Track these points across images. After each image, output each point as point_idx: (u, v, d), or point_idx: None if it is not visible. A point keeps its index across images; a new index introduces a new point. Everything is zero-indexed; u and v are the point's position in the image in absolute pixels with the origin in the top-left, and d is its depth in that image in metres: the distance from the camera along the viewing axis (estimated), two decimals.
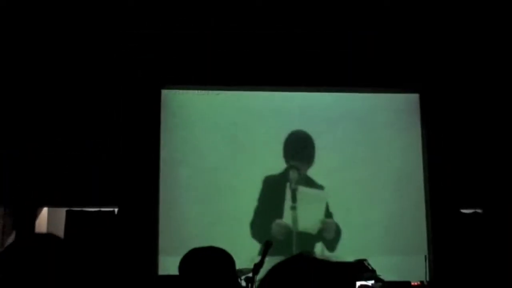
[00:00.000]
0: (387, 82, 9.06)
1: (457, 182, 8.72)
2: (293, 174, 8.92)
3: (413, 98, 9.28)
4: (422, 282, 7.29)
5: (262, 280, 1.64)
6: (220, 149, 8.85)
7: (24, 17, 8.24)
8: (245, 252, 7.00)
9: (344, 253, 8.48)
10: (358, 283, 5.80)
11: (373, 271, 6.75)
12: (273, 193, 8.85)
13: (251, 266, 5.22)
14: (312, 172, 8.94)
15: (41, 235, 2.55)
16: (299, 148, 8.97)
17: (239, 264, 3.14)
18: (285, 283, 1.62)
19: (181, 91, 8.99)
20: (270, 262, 4.69)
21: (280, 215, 8.77)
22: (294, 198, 8.87)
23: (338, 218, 8.81)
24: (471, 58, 8.93)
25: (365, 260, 7.03)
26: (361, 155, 8.99)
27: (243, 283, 5.90)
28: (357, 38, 8.83)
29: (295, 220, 8.77)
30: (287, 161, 8.92)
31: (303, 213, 8.83)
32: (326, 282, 1.61)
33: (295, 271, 1.64)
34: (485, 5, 8.35)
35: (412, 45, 8.96)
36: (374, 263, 7.31)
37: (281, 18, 8.61)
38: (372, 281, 6.33)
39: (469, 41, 8.85)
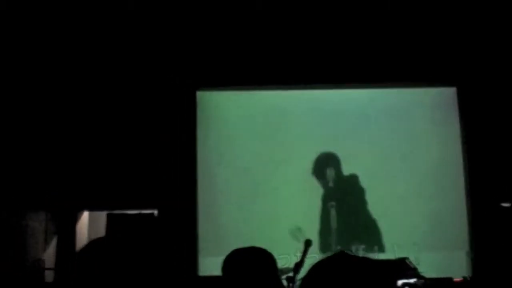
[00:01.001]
0: (424, 76, 8.97)
1: (497, 175, 8.60)
2: (330, 172, 8.90)
3: (450, 92, 9.18)
4: (464, 278, 7.20)
5: (304, 279, 1.65)
6: (257, 149, 8.86)
7: (54, 18, 8.34)
8: (284, 251, 7.01)
9: (385, 250, 8.44)
10: (400, 282, 5.75)
11: (415, 269, 6.68)
12: (311, 192, 8.84)
13: (291, 266, 5.22)
14: (350, 170, 8.90)
15: (106, 238, 2.57)
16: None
17: (279, 264, 3.15)
18: (327, 281, 1.63)
19: (216, 92, 9.05)
20: (310, 260, 4.70)
21: (318, 214, 8.76)
22: (331, 197, 8.85)
23: (377, 215, 8.76)
24: (509, 50, 8.80)
25: (406, 258, 6.98)
26: (398, 151, 8.92)
27: (284, 283, 5.90)
28: (392, 32, 8.78)
29: (334, 218, 8.75)
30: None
31: (342, 211, 8.81)
32: (367, 280, 1.61)
33: (336, 269, 1.65)
34: None
35: (449, 38, 8.86)
36: (415, 259, 7.25)
37: (313, 17, 8.59)
38: (415, 279, 6.27)
39: (506, 33, 8.72)
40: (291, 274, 5.29)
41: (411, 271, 6.42)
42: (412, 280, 5.97)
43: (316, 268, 1.66)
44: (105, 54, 8.73)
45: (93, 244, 2.07)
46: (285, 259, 6.13)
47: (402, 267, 6.51)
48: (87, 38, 8.62)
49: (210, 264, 8.06)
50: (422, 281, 6.07)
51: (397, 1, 8.50)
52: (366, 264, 1.66)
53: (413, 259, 7.00)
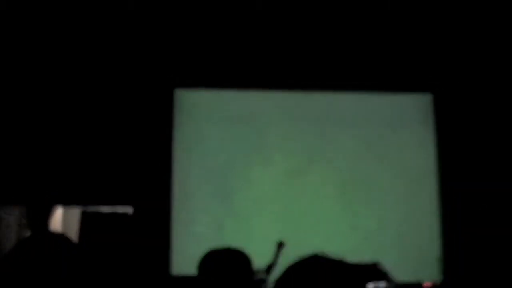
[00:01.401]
0: (401, 83, 9.08)
1: (469, 180, 8.71)
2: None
3: (426, 98, 9.29)
4: (434, 282, 7.29)
5: (278, 280, 1.66)
6: (234, 148, 8.89)
7: (31, 17, 8.30)
8: (259, 251, 7.05)
9: (356, 254, 8.50)
10: (370, 286, 5.80)
11: (386, 273, 6.75)
12: (287, 194, 8.89)
13: (265, 267, 5.25)
14: (326, 174, 8.97)
15: (51, 233, 2.59)
16: None
17: (255, 263, 3.17)
18: (300, 283, 1.64)
19: (194, 91, 9.05)
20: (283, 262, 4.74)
21: (294, 216, 8.81)
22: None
23: (349, 219, 8.83)
24: (485, 56, 8.93)
25: (378, 263, 7.04)
26: (373, 156, 9.02)
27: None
28: (369, 40, 8.86)
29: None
30: None
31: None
32: (341, 282, 1.63)
33: (310, 271, 1.67)
34: (501, 2, 8.36)
35: (424, 45, 8.96)
36: (386, 263, 7.32)
37: (293, 21, 8.65)
38: (384, 283, 6.33)
39: (482, 39, 8.84)
40: (263, 276, 5.33)
41: (382, 275, 6.48)
42: (381, 285, 6.02)
43: (290, 269, 1.67)
44: (82, 51, 8.70)
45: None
46: (258, 259, 6.16)
47: (374, 271, 6.56)
48: (64, 35, 8.59)
49: (184, 264, 8.08)
50: (392, 285, 6.13)
51: (375, 11, 8.59)
52: (340, 267, 1.68)
53: (383, 263, 7.06)
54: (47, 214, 8.50)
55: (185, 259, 8.17)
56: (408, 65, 9.01)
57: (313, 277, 1.63)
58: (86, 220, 8.42)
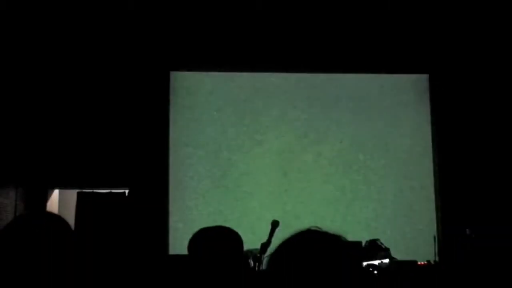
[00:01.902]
0: (398, 63, 9.08)
1: (465, 159, 8.73)
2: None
3: (422, 79, 9.30)
4: (429, 261, 7.33)
5: (272, 255, 1.65)
6: (229, 129, 8.91)
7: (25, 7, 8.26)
8: (254, 231, 7.08)
9: (355, 230, 8.54)
10: (364, 263, 5.84)
11: (387, 249, 6.80)
12: (282, 175, 8.92)
13: (259, 246, 5.25)
14: (321, 154, 8.99)
15: (38, 213, 2.58)
16: None
17: (250, 244, 3.19)
18: (294, 257, 1.63)
19: (189, 73, 9.05)
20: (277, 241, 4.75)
21: (289, 196, 8.85)
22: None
23: (347, 197, 8.87)
24: (480, 38, 8.92)
25: (377, 239, 7.09)
26: (370, 135, 9.04)
27: (251, 263, 5.96)
28: (366, 21, 8.83)
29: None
30: None
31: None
32: (335, 258, 1.63)
33: (304, 246, 1.66)
34: None
35: (421, 27, 8.94)
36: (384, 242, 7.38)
37: (286, 3, 8.60)
38: (379, 261, 6.38)
39: (477, 21, 8.82)
40: (258, 254, 5.33)
41: (382, 252, 6.52)
42: (376, 262, 6.07)
43: (284, 245, 1.66)
44: (78, 35, 8.67)
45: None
46: (254, 239, 6.17)
47: (373, 248, 6.61)
48: (58, 20, 8.55)
49: (181, 243, 8.11)
50: (386, 263, 6.18)
51: None
52: (334, 242, 1.66)
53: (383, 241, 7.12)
54: (43, 197, 8.56)
55: (181, 239, 8.19)
56: (404, 46, 9.00)
57: (308, 250, 1.62)
58: (83, 201, 8.44)
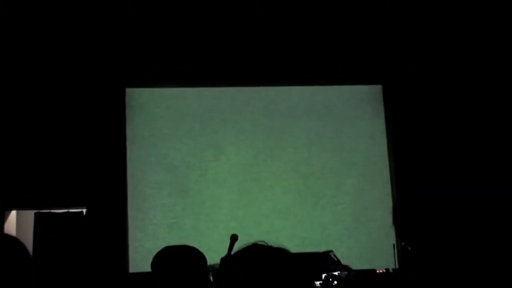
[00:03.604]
0: (352, 75, 9.22)
1: (420, 167, 8.88)
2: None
3: (376, 90, 9.46)
4: (387, 269, 7.45)
5: (217, 272, 1.70)
6: (187, 144, 8.91)
7: None
8: (214, 246, 7.10)
9: (313, 244, 8.62)
10: (324, 274, 5.92)
11: (338, 262, 6.88)
12: (241, 188, 8.96)
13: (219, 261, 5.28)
14: (279, 167, 9.06)
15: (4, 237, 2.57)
16: None
17: (210, 259, 3.22)
18: (238, 273, 1.68)
19: (145, 89, 9.04)
20: None
21: (248, 210, 8.89)
22: None
23: (307, 207, 8.94)
24: (432, 47, 9.13)
25: (330, 251, 7.16)
26: (328, 146, 9.15)
27: (211, 278, 5.97)
28: (321, 34, 8.97)
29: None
30: None
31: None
32: (281, 269, 1.68)
33: (249, 260, 1.71)
34: None
35: (373, 38, 9.11)
36: (341, 252, 7.47)
37: (241, 16, 8.68)
38: (338, 271, 6.46)
39: (428, 31, 9.03)
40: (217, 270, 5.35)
41: (334, 265, 6.61)
42: (336, 272, 6.14)
43: (228, 260, 1.70)
44: (34, 51, 8.60)
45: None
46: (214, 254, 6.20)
47: (326, 260, 6.69)
48: (16, 34, 8.48)
49: (141, 261, 8.08)
50: (345, 272, 6.27)
51: (326, 5, 8.70)
52: (280, 255, 1.71)
53: (339, 251, 7.21)
54: (0, 218, 8.42)
55: (142, 257, 8.18)
56: (357, 57, 9.15)
57: (252, 264, 1.66)
58: (40, 221, 8.34)
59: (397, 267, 7.78)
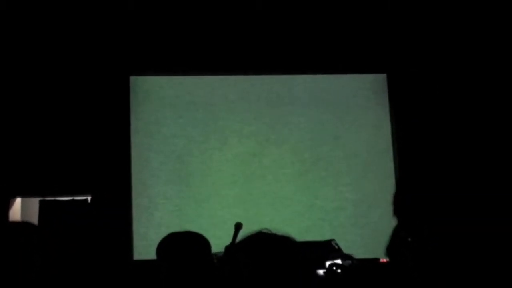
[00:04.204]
0: (354, 63, 9.21)
1: (424, 158, 8.88)
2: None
3: (380, 78, 9.45)
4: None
5: (221, 260, 1.71)
6: (190, 133, 8.93)
7: None
8: (218, 234, 7.12)
9: (315, 233, 8.64)
10: (327, 262, 5.93)
11: (339, 250, 6.89)
12: (245, 178, 8.98)
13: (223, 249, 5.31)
14: (283, 156, 9.07)
15: (17, 223, 2.60)
16: None
17: (215, 247, 3.25)
18: (243, 261, 1.71)
19: (149, 77, 9.05)
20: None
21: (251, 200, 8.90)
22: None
23: (308, 197, 8.96)
24: (438, 37, 9.10)
25: (332, 240, 7.17)
26: (331, 136, 9.15)
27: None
28: (325, 22, 8.95)
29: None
30: None
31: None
32: (285, 257, 1.68)
33: (253, 249, 1.73)
34: None
35: (377, 26, 9.09)
36: (344, 242, 7.48)
37: (245, 4, 8.66)
38: (340, 260, 6.46)
39: (434, 20, 9.00)
40: (222, 258, 5.37)
41: (335, 253, 6.61)
42: (338, 261, 6.15)
43: (235, 249, 1.71)
44: (38, 40, 8.61)
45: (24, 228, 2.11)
46: (217, 242, 6.23)
47: (327, 248, 6.70)
48: (15, 22, 8.48)
49: (145, 248, 8.12)
50: (349, 261, 6.27)
51: None
52: (285, 243, 1.73)
53: (342, 240, 7.21)
54: (5, 205, 8.46)
55: (146, 244, 8.22)
56: (361, 46, 9.13)
57: (257, 253, 1.67)
58: (45, 209, 8.37)
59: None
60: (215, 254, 5.83)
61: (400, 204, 2.40)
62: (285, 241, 1.76)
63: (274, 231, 1.78)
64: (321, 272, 5.70)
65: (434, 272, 2.03)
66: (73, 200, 8.51)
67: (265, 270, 1.65)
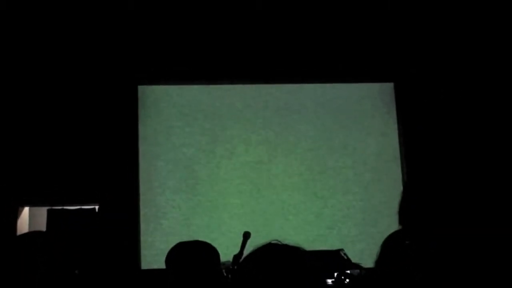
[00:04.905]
0: (364, 72, 9.21)
1: (432, 166, 8.86)
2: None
3: (388, 87, 9.44)
4: None
5: (234, 272, 1.72)
6: (198, 142, 8.94)
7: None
8: (226, 243, 7.11)
9: (323, 242, 8.62)
10: (336, 273, 5.91)
11: (348, 260, 6.86)
12: (252, 187, 8.97)
13: (231, 258, 5.30)
14: (291, 165, 9.06)
15: (28, 233, 2.63)
16: None
17: (223, 256, 3.24)
18: (255, 273, 1.69)
19: (157, 87, 9.07)
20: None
21: (259, 208, 8.89)
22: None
23: (317, 206, 8.94)
24: (445, 44, 9.10)
25: (341, 250, 7.15)
26: (336, 146, 9.14)
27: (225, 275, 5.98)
28: (332, 30, 8.96)
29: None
30: None
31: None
32: (296, 268, 1.67)
33: (264, 259, 1.72)
34: None
35: (385, 34, 9.09)
36: (353, 251, 7.45)
37: (251, 14, 8.69)
38: (349, 270, 6.43)
39: (441, 29, 9.01)
40: (230, 266, 5.38)
41: (345, 263, 6.58)
42: (348, 271, 6.13)
43: (245, 261, 1.71)
44: (45, 49, 8.65)
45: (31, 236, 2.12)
46: (225, 251, 6.22)
47: (336, 258, 6.67)
48: (26, 30, 8.52)
49: (153, 257, 8.13)
50: (357, 271, 6.25)
51: (336, 1, 8.70)
52: (295, 254, 1.73)
53: (350, 250, 7.18)
54: (14, 214, 8.48)
55: (154, 253, 8.22)
56: (369, 54, 9.13)
57: (269, 264, 1.67)
58: (53, 218, 8.38)
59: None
60: (223, 263, 5.83)
61: (407, 213, 2.38)
62: (297, 251, 1.76)
63: (282, 241, 1.78)
64: (329, 281, 5.69)
65: (439, 281, 2.01)
66: (81, 209, 8.52)
67: (278, 281, 1.64)
